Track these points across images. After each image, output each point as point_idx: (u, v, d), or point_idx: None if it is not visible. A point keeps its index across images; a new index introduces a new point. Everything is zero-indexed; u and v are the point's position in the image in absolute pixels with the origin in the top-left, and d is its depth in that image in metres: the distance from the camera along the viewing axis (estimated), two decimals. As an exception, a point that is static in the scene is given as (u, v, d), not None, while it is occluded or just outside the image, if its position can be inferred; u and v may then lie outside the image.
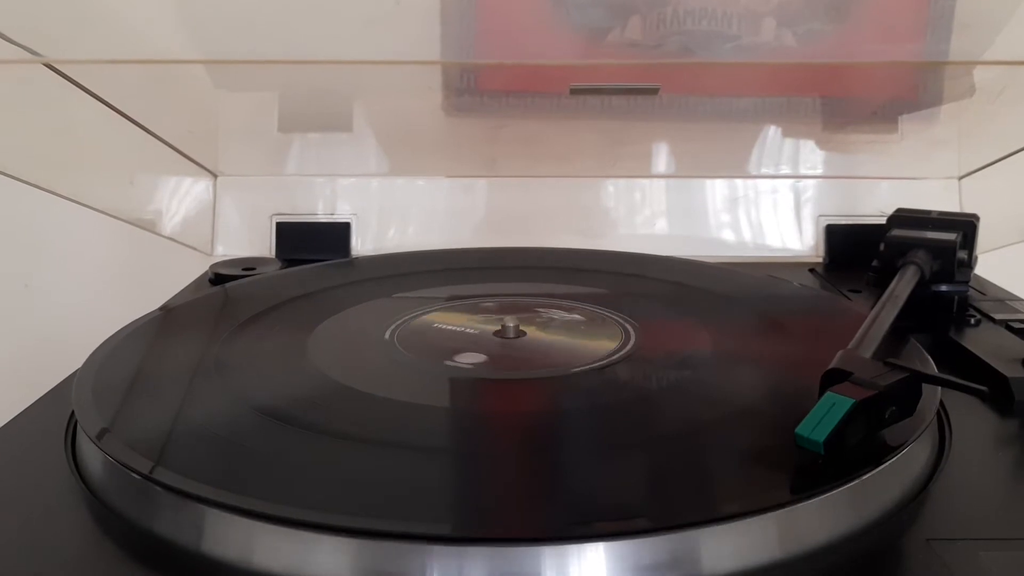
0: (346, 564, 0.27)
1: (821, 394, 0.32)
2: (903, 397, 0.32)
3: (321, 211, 0.66)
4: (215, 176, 0.66)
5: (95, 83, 0.50)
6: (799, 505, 0.29)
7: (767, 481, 0.31)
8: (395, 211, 0.67)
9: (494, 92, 0.65)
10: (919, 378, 0.32)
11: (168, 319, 0.48)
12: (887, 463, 0.31)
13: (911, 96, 0.64)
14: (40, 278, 0.72)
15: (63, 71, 0.47)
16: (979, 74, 0.59)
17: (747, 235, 0.67)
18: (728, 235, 0.67)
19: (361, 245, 0.66)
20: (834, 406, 0.30)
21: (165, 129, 0.59)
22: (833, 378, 0.33)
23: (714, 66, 0.62)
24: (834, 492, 0.29)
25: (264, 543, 0.28)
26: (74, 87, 0.49)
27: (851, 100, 0.66)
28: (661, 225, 0.68)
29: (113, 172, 0.60)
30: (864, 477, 0.30)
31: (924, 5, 0.58)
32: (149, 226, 0.63)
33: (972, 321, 0.48)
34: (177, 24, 0.52)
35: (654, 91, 0.58)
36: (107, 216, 0.59)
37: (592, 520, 0.29)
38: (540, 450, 0.35)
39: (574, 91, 0.59)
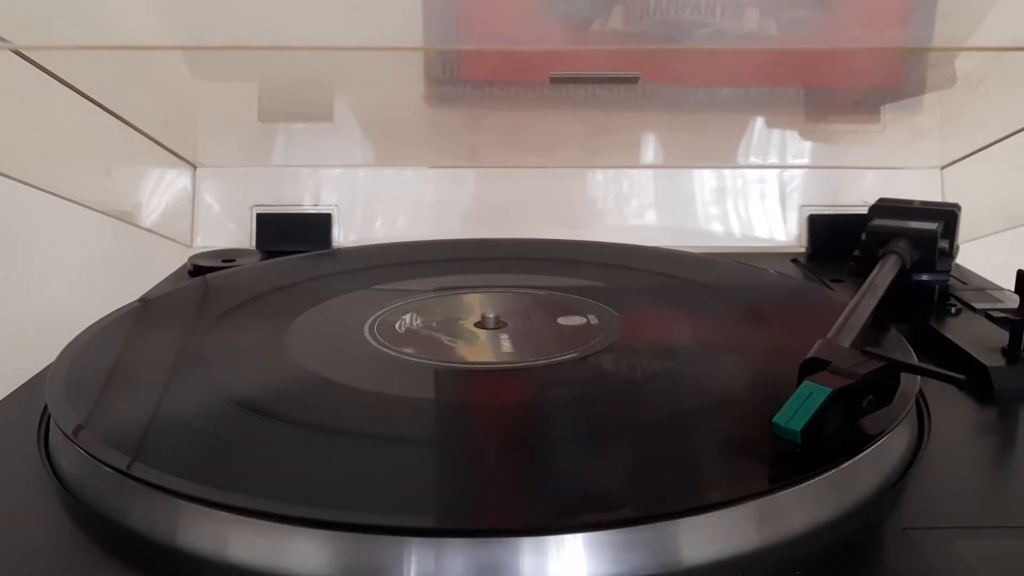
0: (321, 558, 0.27)
1: (799, 383, 0.32)
2: (880, 386, 0.32)
3: (302, 202, 0.65)
4: (194, 167, 0.65)
5: (68, 72, 0.50)
6: (777, 495, 0.29)
7: (745, 471, 0.31)
8: (377, 202, 0.66)
9: (476, 82, 0.64)
10: (896, 367, 0.32)
11: (145, 311, 0.48)
12: (865, 452, 0.31)
13: (894, 84, 0.64)
14: (18, 271, 0.71)
15: (34, 59, 0.46)
16: (960, 63, 0.59)
17: (731, 225, 0.67)
18: (712, 225, 0.67)
19: (343, 236, 0.65)
20: (811, 395, 0.30)
21: (142, 119, 0.58)
22: (811, 367, 0.33)
23: (696, 54, 0.62)
24: (812, 481, 0.29)
25: (240, 537, 0.28)
26: (46, 76, 0.49)
27: (834, 90, 0.66)
28: (646, 215, 0.67)
29: (89, 163, 0.59)
30: (842, 466, 0.30)
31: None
32: (127, 217, 0.62)
33: (953, 310, 0.48)
34: (153, 10, 0.51)
35: (634, 80, 0.58)
36: (85, 207, 0.58)
37: (572, 511, 0.29)
38: (519, 442, 0.35)
39: (554, 80, 0.59)
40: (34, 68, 0.47)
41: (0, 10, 0.44)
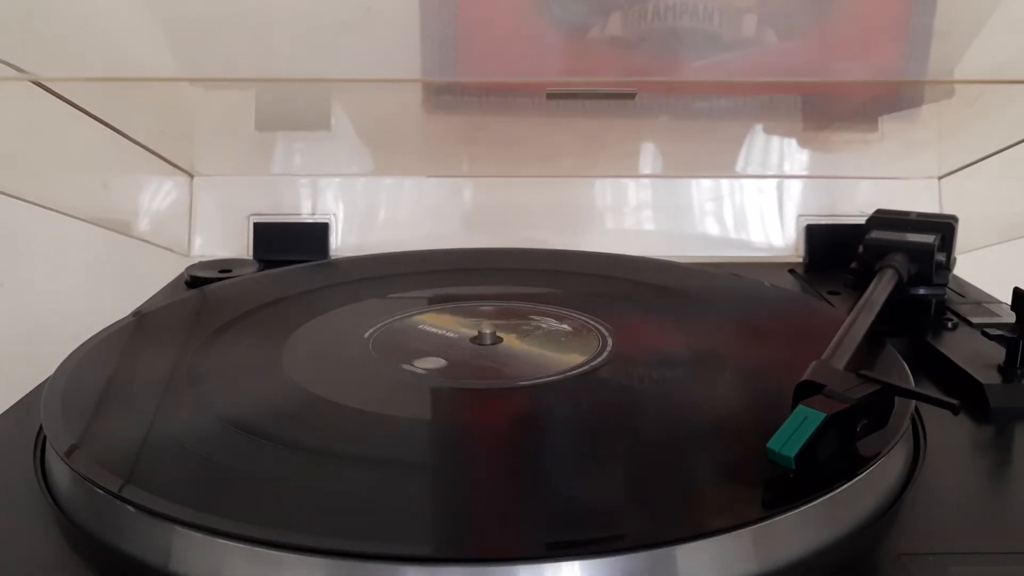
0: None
1: (794, 407, 0.32)
2: (875, 410, 0.32)
3: (299, 211, 0.65)
4: (191, 176, 0.65)
5: (64, 85, 0.49)
6: (771, 521, 0.29)
7: (739, 497, 0.31)
8: (375, 211, 0.66)
9: (475, 91, 0.64)
10: (891, 391, 0.32)
11: (141, 325, 0.48)
12: (860, 476, 0.31)
13: (892, 95, 0.64)
14: (15, 280, 0.71)
15: (42, 83, 0.46)
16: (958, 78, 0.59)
17: (728, 235, 0.67)
18: (709, 235, 0.67)
19: (340, 245, 0.65)
20: (805, 420, 0.30)
21: (139, 130, 0.58)
22: (806, 390, 0.33)
23: (695, 65, 0.62)
24: (806, 507, 0.29)
25: (235, 563, 0.28)
26: (43, 91, 0.48)
27: (832, 99, 0.66)
28: (643, 224, 0.67)
29: (85, 175, 0.59)
30: (837, 491, 0.30)
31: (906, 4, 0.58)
32: (124, 228, 0.62)
33: (950, 325, 0.48)
34: (149, 25, 0.51)
35: (631, 96, 0.58)
36: (83, 221, 0.58)
37: (568, 538, 0.29)
38: (514, 466, 0.34)
39: (551, 96, 0.59)
40: (31, 84, 0.47)
41: (4, 34, 0.44)
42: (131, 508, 0.30)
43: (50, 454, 0.34)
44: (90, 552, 0.30)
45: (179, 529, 0.29)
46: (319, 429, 0.36)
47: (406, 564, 0.27)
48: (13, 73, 0.43)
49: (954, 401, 0.31)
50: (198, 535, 0.28)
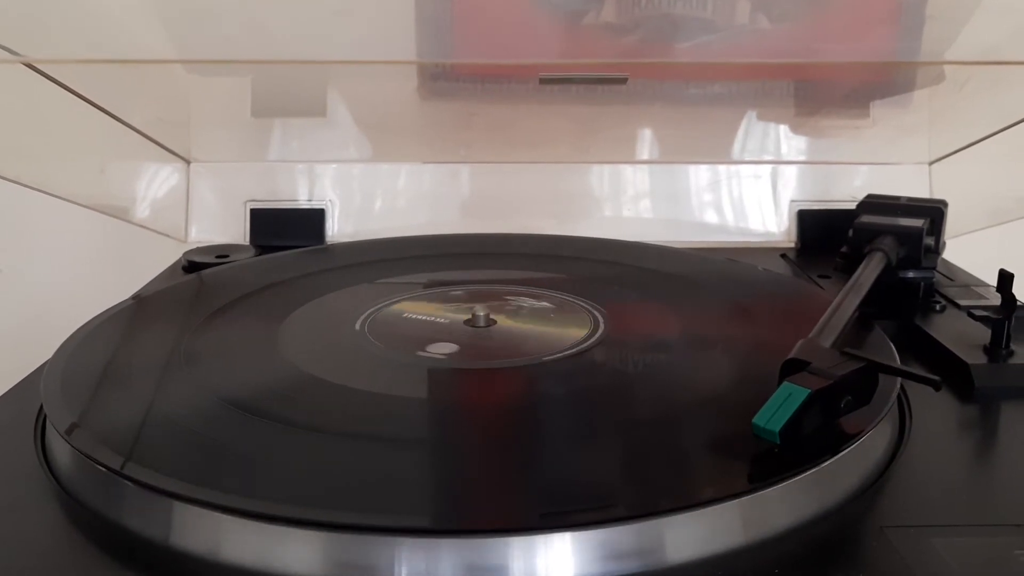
0: (313, 557, 0.28)
1: (780, 384, 0.32)
2: (859, 386, 0.33)
3: (296, 197, 0.66)
4: (188, 162, 0.65)
5: (61, 71, 0.50)
6: (757, 494, 0.29)
7: (726, 470, 0.32)
8: (370, 197, 0.67)
9: (470, 77, 0.64)
10: (874, 368, 0.33)
11: (139, 308, 0.48)
12: (844, 451, 0.32)
13: (883, 80, 0.64)
14: (14, 265, 0.72)
15: (36, 66, 0.47)
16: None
17: (720, 220, 0.67)
18: (702, 220, 0.67)
19: (337, 231, 0.66)
20: (790, 396, 0.31)
21: (135, 116, 0.58)
22: (792, 367, 0.33)
23: (688, 51, 0.62)
24: (792, 481, 0.30)
25: (233, 537, 0.28)
26: (41, 76, 0.49)
27: (824, 84, 0.66)
28: (637, 210, 0.68)
29: (83, 160, 0.59)
30: (822, 465, 0.31)
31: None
32: (122, 214, 0.62)
33: (938, 307, 0.49)
34: (144, 9, 0.51)
35: (622, 81, 0.58)
36: (80, 206, 0.58)
37: (557, 511, 0.29)
38: (508, 441, 0.35)
39: (543, 81, 0.59)
40: (27, 69, 0.48)
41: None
42: (131, 484, 0.30)
43: (51, 433, 0.35)
44: (91, 528, 0.30)
45: (178, 504, 0.29)
46: (313, 407, 0.36)
47: (401, 536, 0.27)
48: (6, 56, 0.44)
49: (935, 377, 0.32)
50: (197, 509, 0.29)
